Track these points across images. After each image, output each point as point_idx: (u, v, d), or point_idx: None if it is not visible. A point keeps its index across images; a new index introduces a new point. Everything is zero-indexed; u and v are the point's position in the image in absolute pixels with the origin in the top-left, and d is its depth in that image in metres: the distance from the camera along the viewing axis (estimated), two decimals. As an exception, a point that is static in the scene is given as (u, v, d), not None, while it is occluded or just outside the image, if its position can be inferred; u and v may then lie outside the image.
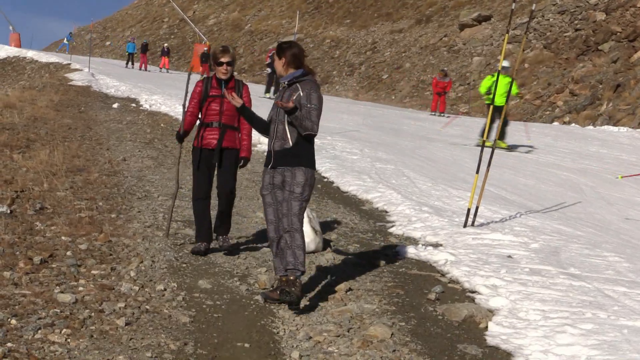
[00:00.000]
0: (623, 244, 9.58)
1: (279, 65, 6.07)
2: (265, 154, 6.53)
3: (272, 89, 27.95)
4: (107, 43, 57.53)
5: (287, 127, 5.93)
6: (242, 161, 7.43)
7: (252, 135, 7.75)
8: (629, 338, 6.06)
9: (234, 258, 7.58)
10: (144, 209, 9.44)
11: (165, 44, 44.33)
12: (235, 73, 7.77)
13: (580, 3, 27.11)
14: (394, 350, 5.60)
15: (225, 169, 7.30)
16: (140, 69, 44.19)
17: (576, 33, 25.92)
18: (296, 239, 5.95)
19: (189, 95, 7.69)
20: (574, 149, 18.48)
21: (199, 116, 7.60)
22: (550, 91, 24.72)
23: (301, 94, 5.89)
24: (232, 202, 7.67)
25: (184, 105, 7.58)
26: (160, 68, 46.22)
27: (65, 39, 43.31)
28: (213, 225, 7.65)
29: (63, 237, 7.75)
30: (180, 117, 19.16)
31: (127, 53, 46.86)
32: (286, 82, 6.14)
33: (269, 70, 28.08)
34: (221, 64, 7.06)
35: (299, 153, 5.94)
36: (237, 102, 6.23)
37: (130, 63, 46.34)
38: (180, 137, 7.57)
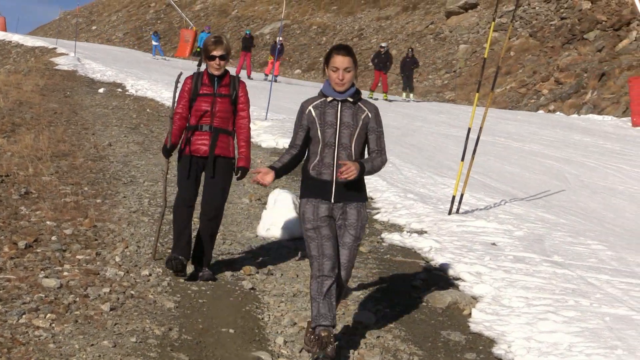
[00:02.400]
0: (606, 232, 9.62)
1: (352, 74, 4.83)
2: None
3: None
4: (93, 27, 56.43)
5: (352, 153, 4.86)
6: (240, 172, 6.36)
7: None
8: (610, 325, 6.10)
9: (219, 244, 7.42)
10: (129, 194, 9.40)
11: (280, 38, 26.70)
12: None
13: None
14: (378, 337, 5.65)
15: (215, 182, 6.22)
16: (237, 75, 29.44)
17: (562, 22, 26.05)
18: (343, 293, 5.32)
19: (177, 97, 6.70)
20: (559, 137, 18.47)
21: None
22: (536, 79, 24.79)
23: (369, 115, 4.88)
24: (218, 226, 6.45)
25: (170, 117, 6.42)
26: (267, 74, 30.10)
27: (153, 40, 37.49)
28: (192, 251, 6.46)
29: (48, 222, 7.72)
30: (161, 102, 18.69)
31: (197, 49, 32.23)
32: (348, 97, 4.92)
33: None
34: (213, 57, 6.06)
35: (362, 185, 4.98)
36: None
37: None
38: (168, 151, 6.41)
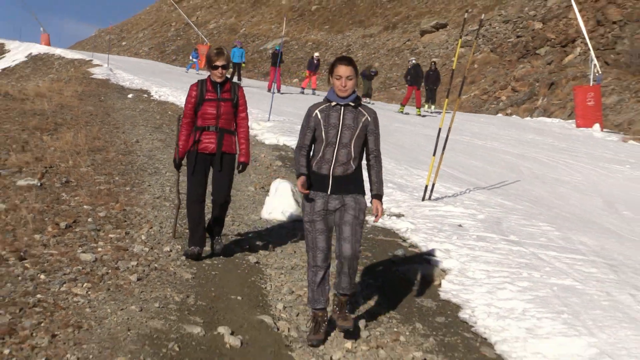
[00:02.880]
0: (554, 216, 9.62)
1: (353, 82, 4.81)
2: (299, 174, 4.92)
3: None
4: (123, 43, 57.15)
5: (352, 151, 4.74)
6: (241, 166, 6.36)
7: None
8: (558, 294, 6.13)
9: (228, 225, 7.45)
10: (153, 183, 9.35)
11: (316, 54, 26.70)
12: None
13: (521, 14, 27.38)
14: (363, 303, 5.70)
15: (222, 175, 6.25)
16: (269, 90, 24.91)
17: (518, 39, 26.10)
18: (355, 266, 4.92)
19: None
20: (515, 137, 18.25)
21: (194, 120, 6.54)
22: (495, 88, 24.82)
23: (369, 118, 4.79)
24: (227, 208, 6.53)
25: (176, 142, 6.29)
26: (303, 88, 28.16)
27: (192, 56, 36.48)
28: (207, 228, 6.53)
29: (85, 206, 7.66)
30: (181, 105, 18.73)
31: (232, 63, 25.81)
32: (350, 102, 4.83)
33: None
34: (216, 67, 5.96)
35: (359, 178, 4.85)
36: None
37: (237, 77, 26.93)
38: (178, 165, 6.39)
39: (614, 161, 14.99)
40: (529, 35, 25.64)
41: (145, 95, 20.41)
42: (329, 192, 4.78)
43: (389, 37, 34.00)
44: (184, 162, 6.48)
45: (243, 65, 27.99)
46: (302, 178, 4.77)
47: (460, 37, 10.04)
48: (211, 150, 6.14)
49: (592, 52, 19.21)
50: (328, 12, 38.53)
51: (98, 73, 26.64)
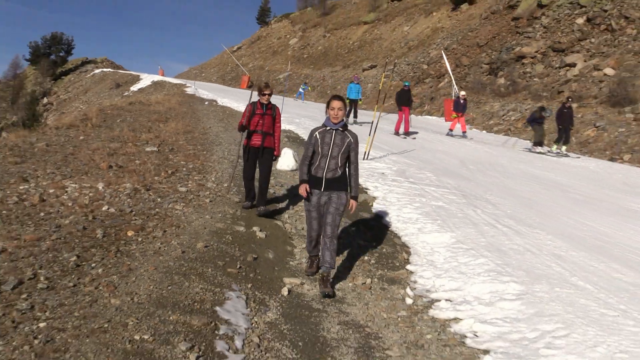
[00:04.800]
0: (433, 169, 11.23)
1: (343, 111, 4.79)
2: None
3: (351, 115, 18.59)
4: (202, 74, 68.21)
5: (339, 162, 4.78)
6: (275, 157, 6.81)
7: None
8: (435, 210, 7.35)
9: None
10: (218, 150, 10.80)
11: (462, 93, 20.82)
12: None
13: (416, 60, 36.94)
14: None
15: (265, 160, 6.67)
16: (450, 132, 20.61)
17: (414, 74, 34.46)
18: (334, 244, 4.84)
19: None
20: (414, 125, 21.90)
21: (248, 126, 6.64)
22: None
23: (352, 140, 4.78)
24: (269, 181, 6.80)
25: (241, 125, 6.92)
26: (451, 130, 20.52)
27: (301, 87, 39.67)
28: (256, 198, 6.80)
29: (181, 162, 8.79)
30: (234, 109, 21.96)
31: (347, 100, 19.66)
32: (340, 127, 4.80)
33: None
34: (264, 94, 6.58)
35: (344, 180, 4.89)
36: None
37: (353, 115, 20.20)
38: (243, 128, 6.83)
39: (459, 137, 18.71)
40: (420, 71, 34.21)
41: (214, 103, 24.50)
42: (322, 190, 4.72)
43: (345, 72, 46.06)
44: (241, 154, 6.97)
45: (360, 102, 20.83)
46: (304, 185, 4.70)
47: (384, 72, 12.97)
48: (258, 145, 6.68)
49: (453, 81, 26.49)
50: (312, 58, 52.68)
51: (189, 91, 32.24)
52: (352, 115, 18.82)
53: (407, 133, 17.21)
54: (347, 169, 4.84)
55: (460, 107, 19.15)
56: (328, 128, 4.80)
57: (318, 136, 4.81)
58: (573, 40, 23.54)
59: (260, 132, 6.77)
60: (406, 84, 17.58)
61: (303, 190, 4.75)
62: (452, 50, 32.96)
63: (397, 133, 17.35)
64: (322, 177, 4.82)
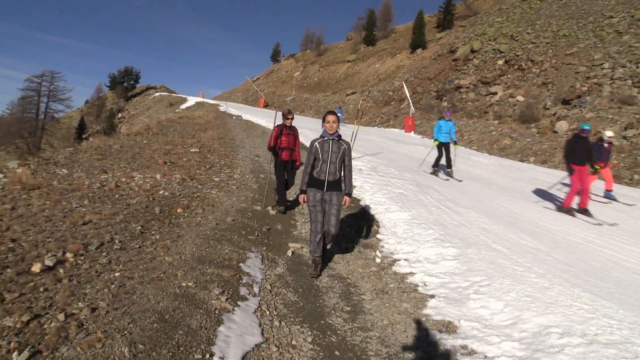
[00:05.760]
0: (396, 166, 11.01)
1: (337, 124, 4.19)
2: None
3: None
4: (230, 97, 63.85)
5: (337, 166, 4.35)
6: (297, 167, 6.44)
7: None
8: (397, 196, 7.29)
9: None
10: (242, 151, 10.69)
11: (609, 133, 8.73)
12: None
13: (384, 89, 36.33)
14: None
15: (290, 170, 6.37)
16: (568, 208, 7.71)
17: (383, 98, 33.94)
18: (335, 238, 4.26)
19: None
20: (383, 134, 21.91)
21: (276, 144, 6.13)
22: (374, 117, 32.41)
23: (346, 147, 4.38)
24: (292, 185, 6.34)
25: (270, 145, 6.36)
26: (609, 190, 8.76)
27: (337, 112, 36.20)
28: (280, 199, 6.05)
29: (216, 160, 8.71)
30: (254, 122, 20.73)
31: (435, 142, 10.33)
32: (335, 137, 4.32)
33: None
34: (288, 118, 6.18)
35: (341, 182, 4.47)
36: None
37: (444, 159, 10.70)
38: (272, 149, 6.31)
39: (414, 144, 18.42)
40: (387, 96, 33.79)
41: (240, 118, 23.75)
42: (324, 190, 4.27)
43: (333, 97, 45.53)
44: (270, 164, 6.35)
45: (456, 146, 10.24)
46: (303, 196, 4.25)
47: (362, 97, 13.57)
48: (285, 159, 6.38)
49: (411, 103, 26.74)
50: (310, 86, 52.55)
51: (221, 109, 31.20)
52: (443, 159, 10.10)
53: (584, 210, 7.80)
54: (342, 172, 4.35)
55: (604, 155, 8.96)
56: (326, 138, 4.42)
57: (318, 146, 4.43)
58: (495, 75, 24.06)
59: (287, 148, 6.40)
60: (585, 127, 7.88)
61: (302, 200, 4.28)
62: (410, 81, 33.30)
63: (570, 210, 7.91)
64: (324, 180, 4.40)
